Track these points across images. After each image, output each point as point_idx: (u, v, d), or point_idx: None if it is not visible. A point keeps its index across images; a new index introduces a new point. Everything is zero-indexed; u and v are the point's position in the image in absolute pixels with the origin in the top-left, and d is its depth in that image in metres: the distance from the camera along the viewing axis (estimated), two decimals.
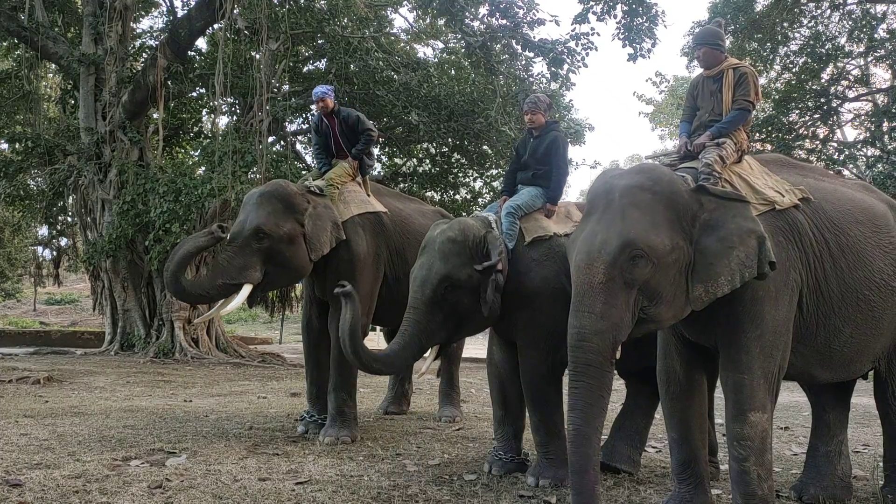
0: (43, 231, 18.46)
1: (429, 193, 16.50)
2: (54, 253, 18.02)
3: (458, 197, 17.05)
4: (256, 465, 4.40)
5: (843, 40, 15.20)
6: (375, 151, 5.98)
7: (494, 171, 16.37)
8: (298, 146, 15.75)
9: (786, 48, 15.71)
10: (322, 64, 14.92)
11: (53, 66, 15.09)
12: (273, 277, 5.25)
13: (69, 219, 16.03)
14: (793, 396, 8.16)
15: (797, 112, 15.34)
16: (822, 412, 4.07)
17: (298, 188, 5.42)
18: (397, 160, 17.30)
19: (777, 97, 15.20)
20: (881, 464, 4.17)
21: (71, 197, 14.04)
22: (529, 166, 4.72)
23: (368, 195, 5.78)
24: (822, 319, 3.49)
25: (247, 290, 5.05)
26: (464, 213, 15.34)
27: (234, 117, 13.77)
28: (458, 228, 4.28)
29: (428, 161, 17.13)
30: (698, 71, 4.05)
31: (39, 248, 20.32)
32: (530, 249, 4.33)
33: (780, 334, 3.30)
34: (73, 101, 14.34)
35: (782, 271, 3.32)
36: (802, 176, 3.74)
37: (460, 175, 17.16)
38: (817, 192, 3.62)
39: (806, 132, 15.58)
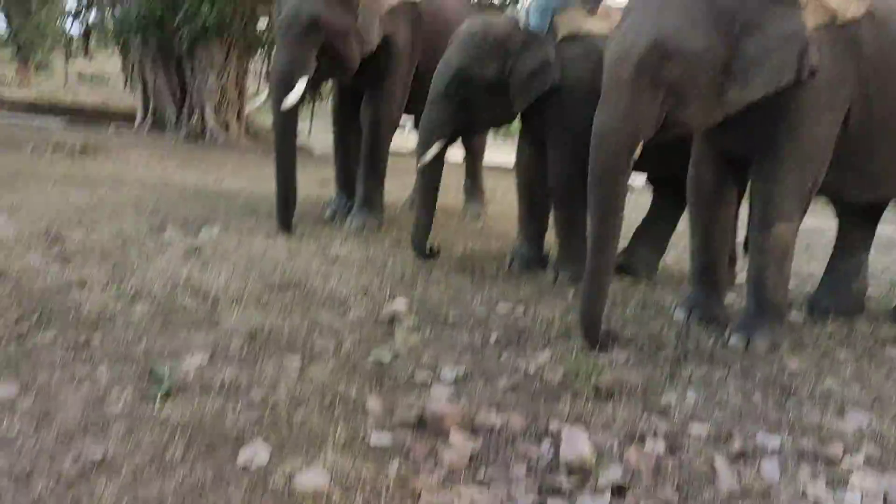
0: (71, 2, 18.01)
1: None
2: (84, 26, 17.63)
3: None
4: (286, 244, 4.55)
5: None
6: None
7: None
8: None
9: None
10: None
11: None
12: (323, 72, 5.05)
13: None
14: (819, 221, 8.17)
15: None
16: (846, 231, 4.09)
17: None
18: None
19: None
20: None
21: None
22: None
23: None
24: (866, 138, 3.40)
25: (302, 83, 4.83)
26: (502, 11, 14.68)
27: None
28: (480, 23, 4.29)
29: None
30: None
31: (69, 20, 19.89)
32: (563, 47, 4.20)
33: (819, 150, 3.24)
34: None
35: (833, 85, 3.19)
36: None
37: None
38: (884, 4, 3.39)
39: None
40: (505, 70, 4.16)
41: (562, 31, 4.27)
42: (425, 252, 4.42)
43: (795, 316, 3.89)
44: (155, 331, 2.91)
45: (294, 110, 4.92)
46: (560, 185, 4.30)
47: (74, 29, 18.70)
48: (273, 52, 5.02)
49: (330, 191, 6.72)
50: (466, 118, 4.29)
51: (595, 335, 3.11)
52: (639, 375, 2.89)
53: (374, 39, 5.08)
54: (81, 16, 16.92)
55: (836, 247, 4.16)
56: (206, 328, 3.01)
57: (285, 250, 4.33)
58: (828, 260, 4.21)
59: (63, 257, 3.68)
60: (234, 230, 4.73)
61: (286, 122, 4.95)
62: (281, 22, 4.95)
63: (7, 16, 22.52)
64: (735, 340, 3.28)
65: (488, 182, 7.20)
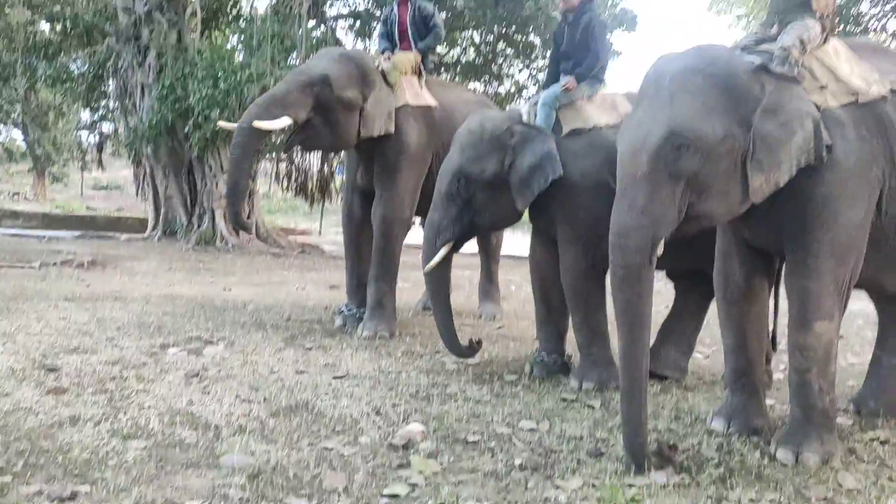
0: (85, 115, 18.41)
1: (472, 84, 15.96)
2: (97, 138, 17.97)
3: (501, 89, 16.49)
4: (293, 358, 4.35)
5: None
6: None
7: (540, 63, 15.71)
8: (339, 31, 15.22)
9: None
10: None
11: None
12: (314, 131, 5.05)
13: (110, 103, 15.89)
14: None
15: (868, 2, 14.31)
16: (889, 324, 3.82)
17: (376, 65, 5.31)
18: (440, 49, 16.67)
19: None
20: None
21: (111, 80, 13.84)
22: (570, 55, 4.43)
23: (421, 88, 5.54)
24: None
25: (285, 121, 4.87)
26: (508, 106, 14.88)
27: (274, 0, 13.27)
28: (478, 121, 4.21)
29: (472, 50, 16.50)
30: None
31: (84, 133, 20.33)
32: (568, 141, 4.08)
33: (855, 238, 3.03)
34: None
35: (863, 168, 3.02)
36: (894, 64, 3.35)
37: (505, 66, 16.53)
38: None
39: (876, 24, 14.58)
40: (504, 166, 4.04)
41: (566, 125, 4.16)
42: (464, 352, 4.29)
43: (842, 418, 3.59)
44: (149, 475, 2.67)
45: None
46: (574, 285, 4.10)
47: (89, 141, 19.01)
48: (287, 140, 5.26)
49: (340, 294, 6.56)
50: (471, 219, 4.16)
51: (642, 458, 2.83)
52: (682, 501, 2.60)
53: (376, 130, 5.09)
54: (95, 128, 17.30)
55: (878, 340, 3.88)
56: (204, 467, 2.76)
57: (292, 367, 4.12)
58: (872, 353, 3.93)
59: (57, 390, 3.47)
60: (240, 347, 4.53)
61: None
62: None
63: (24, 130, 23.09)
64: (783, 455, 2.99)
65: (502, 273, 6.99)
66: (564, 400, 3.78)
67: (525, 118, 4.18)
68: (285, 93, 4.93)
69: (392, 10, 5.79)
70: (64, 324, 4.90)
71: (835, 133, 2.97)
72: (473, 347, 4.31)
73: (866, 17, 14.35)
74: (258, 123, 4.79)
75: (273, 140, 12.93)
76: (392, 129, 5.16)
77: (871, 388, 3.78)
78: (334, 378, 3.95)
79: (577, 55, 4.39)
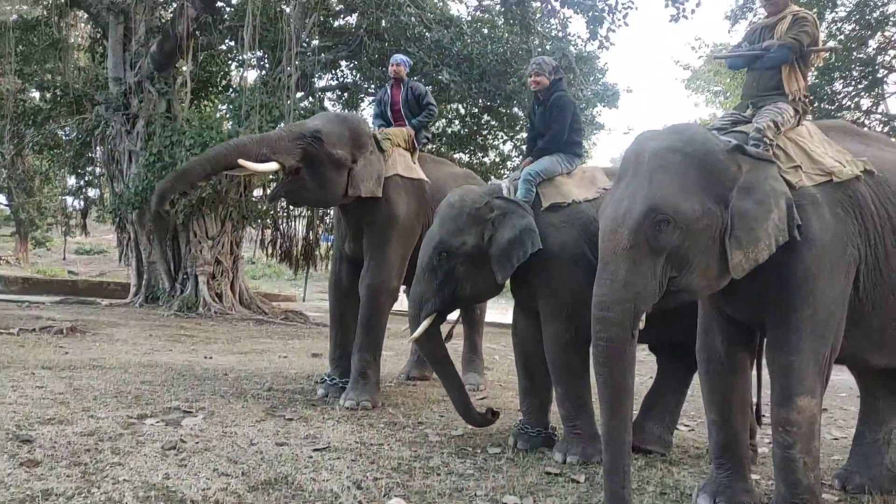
0: (71, 181, 18.46)
1: (457, 155, 16.22)
2: (82, 203, 17.97)
3: (486, 159, 16.78)
4: (274, 429, 4.27)
5: (892, 7, 14.52)
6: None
7: (524, 134, 16.04)
8: (327, 102, 15.49)
9: (833, 13, 15.05)
10: (353, 19, 14.58)
11: (83, 13, 14.91)
12: (302, 184, 5.10)
13: (97, 169, 15.97)
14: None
15: (841, 81, 14.76)
16: (871, 398, 3.83)
17: (371, 130, 5.47)
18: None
19: (821, 65, 14.60)
20: None
21: (99, 147, 13.95)
22: (544, 134, 4.55)
23: (414, 162, 5.65)
24: (879, 300, 3.24)
25: (271, 166, 4.97)
26: (492, 177, 15.10)
27: (263, 71, 13.54)
28: (458, 195, 4.28)
29: (457, 122, 16.82)
30: (737, 38, 3.75)
31: (69, 198, 20.33)
32: (548, 215, 4.17)
33: (834, 314, 3.07)
34: (101, 50, 14.20)
35: (839, 246, 3.08)
36: (866, 145, 3.45)
37: (490, 137, 16.86)
38: (881, 163, 3.34)
39: (850, 103, 15.00)
40: (484, 240, 4.10)
41: (546, 200, 4.24)
42: (478, 421, 4.35)
43: (827, 494, 3.56)
44: None
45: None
46: (556, 357, 4.10)
47: (74, 206, 19.03)
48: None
49: (323, 363, 6.50)
50: (453, 291, 4.19)
51: None
52: None
53: (364, 192, 5.16)
54: (81, 193, 17.33)
55: (862, 415, 3.88)
56: None
57: (273, 439, 4.05)
58: (855, 428, 3.92)
59: (30, 462, 3.39)
60: (219, 418, 4.46)
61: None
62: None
63: (9, 195, 23.09)
64: None
65: (486, 342, 6.96)
66: (549, 474, 3.73)
67: (505, 193, 4.26)
68: (277, 138, 5.02)
69: (386, 91, 5.96)
70: (40, 393, 4.80)
71: (810, 211, 3.04)
72: (488, 418, 4.36)
73: (840, 96, 14.79)
74: (244, 163, 4.85)
75: (260, 207, 13.11)
76: (379, 193, 5.23)
77: (856, 463, 3.76)
78: (315, 450, 3.88)
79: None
